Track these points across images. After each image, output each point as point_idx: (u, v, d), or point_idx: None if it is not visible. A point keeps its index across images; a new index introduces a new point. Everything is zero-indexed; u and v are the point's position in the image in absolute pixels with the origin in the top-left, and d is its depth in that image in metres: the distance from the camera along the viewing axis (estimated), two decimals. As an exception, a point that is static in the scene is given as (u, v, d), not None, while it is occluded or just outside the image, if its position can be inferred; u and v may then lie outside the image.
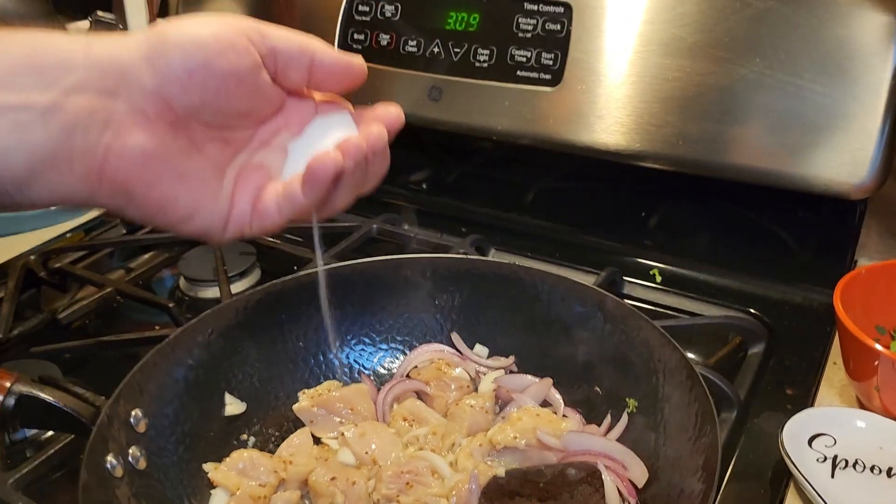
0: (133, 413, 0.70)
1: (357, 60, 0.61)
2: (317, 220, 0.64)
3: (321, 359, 0.85)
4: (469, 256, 0.86)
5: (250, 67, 0.57)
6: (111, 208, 0.57)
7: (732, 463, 0.79)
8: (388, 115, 0.61)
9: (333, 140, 0.60)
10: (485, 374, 0.85)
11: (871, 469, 0.76)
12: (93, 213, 1.40)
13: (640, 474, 0.70)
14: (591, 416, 0.80)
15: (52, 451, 0.81)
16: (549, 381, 0.82)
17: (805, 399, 0.87)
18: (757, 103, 0.95)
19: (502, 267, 0.84)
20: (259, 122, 0.63)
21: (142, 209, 0.58)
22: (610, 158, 1.06)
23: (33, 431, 0.90)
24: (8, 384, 0.66)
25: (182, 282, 1.18)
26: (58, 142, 0.52)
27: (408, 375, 0.85)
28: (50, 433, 0.88)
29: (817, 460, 0.77)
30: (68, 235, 1.34)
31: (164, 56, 0.54)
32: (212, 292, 1.13)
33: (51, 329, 1.10)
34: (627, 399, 0.76)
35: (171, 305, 1.04)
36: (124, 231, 1.34)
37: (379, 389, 0.84)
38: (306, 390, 0.83)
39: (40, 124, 0.51)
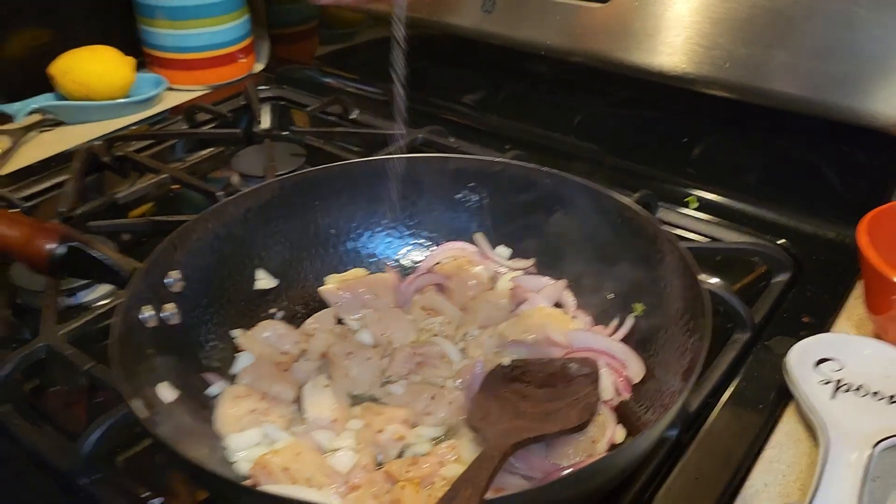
0: (170, 273, 0.75)
1: None
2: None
3: (350, 247, 0.90)
4: (498, 159, 0.88)
5: None
6: None
7: (737, 380, 0.81)
8: None
9: None
10: (504, 274, 0.88)
11: (874, 395, 0.77)
12: (159, 108, 1.47)
13: (637, 371, 0.73)
14: (601, 318, 0.82)
15: (102, 311, 0.88)
16: (563, 282, 0.84)
17: (820, 328, 0.88)
18: (809, 29, 0.93)
19: (530, 171, 0.86)
20: None
21: None
22: (657, 80, 1.06)
23: (88, 297, 0.98)
24: (60, 234, 0.72)
25: (235, 178, 1.24)
26: None
27: (431, 269, 0.89)
28: (103, 302, 0.95)
29: (820, 382, 0.79)
30: (133, 128, 1.41)
31: None
32: (261, 189, 1.18)
33: (111, 211, 1.17)
34: (635, 304, 0.79)
35: (219, 194, 1.09)
36: (185, 126, 1.40)
37: (402, 280, 0.88)
38: (334, 274, 0.87)
39: None
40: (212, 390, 0.74)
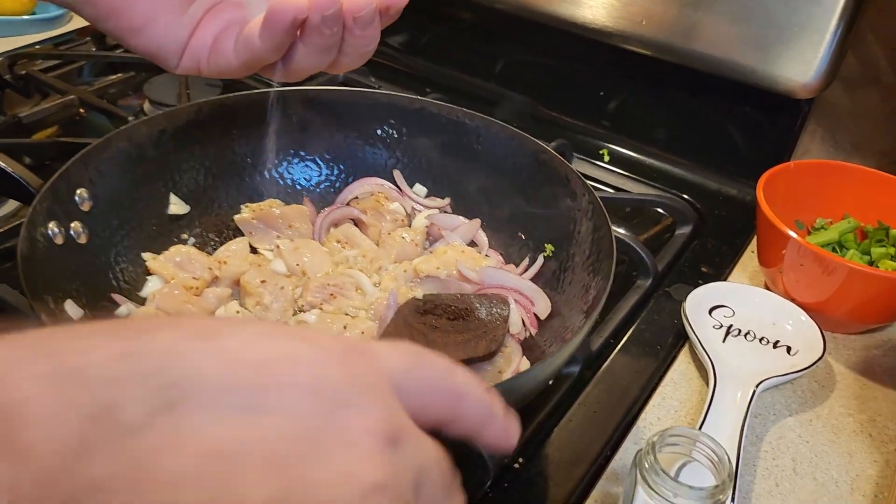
0: (78, 191, 0.73)
1: None
2: (278, 81, 0.61)
3: (266, 177, 0.89)
4: (421, 98, 0.89)
5: None
6: (68, 1, 0.57)
7: (638, 322, 0.86)
8: None
9: None
10: (420, 212, 0.89)
11: (760, 340, 0.83)
12: (66, 28, 1.40)
13: (543, 309, 0.76)
14: (512, 257, 0.85)
15: (4, 229, 0.85)
16: (477, 221, 0.86)
17: (717, 277, 0.93)
18: (723, -9, 0.97)
19: (451, 111, 0.87)
20: None
21: (95, 7, 0.57)
22: (577, 32, 1.08)
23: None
24: (-40, 144, 0.69)
25: (146, 105, 1.20)
26: None
27: (348, 204, 0.89)
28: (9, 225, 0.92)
29: (713, 326, 0.84)
30: (37, 47, 1.34)
31: None
32: (174, 116, 1.14)
33: (13, 131, 1.12)
34: (546, 245, 0.81)
35: (130, 118, 1.06)
36: (94, 48, 1.34)
37: (319, 213, 0.88)
38: (249, 204, 0.86)
39: None
40: (121, 311, 0.73)
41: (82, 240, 0.73)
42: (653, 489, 0.55)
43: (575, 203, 0.78)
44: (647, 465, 0.55)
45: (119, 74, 1.30)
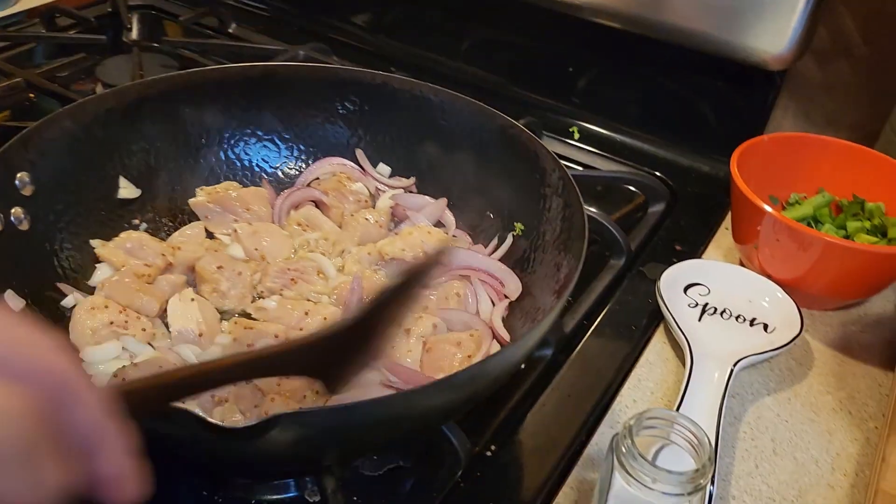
0: (19, 175, 0.69)
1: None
2: None
3: (223, 158, 0.85)
4: (383, 73, 0.85)
5: None
6: None
7: (611, 303, 0.83)
8: None
9: None
10: (384, 192, 0.86)
11: (737, 318, 0.80)
12: (14, 9, 1.34)
13: (514, 289, 0.73)
14: (480, 237, 0.82)
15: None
16: (444, 201, 0.83)
17: (691, 255, 0.91)
18: (693, -39, 0.94)
19: (414, 86, 0.83)
20: None
21: None
22: (545, 5, 1.05)
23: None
24: None
25: (99, 88, 1.15)
26: None
27: (308, 185, 0.86)
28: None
29: (689, 305, 0.81)
30: (-14, 29, 1.28)
31: None
32: (128, 99, 1.10)
33: (-43, 116, 1.07)
34: (515, 223, 0.78)
35: (80, 101, 1.01)
36: (44, 30, 1.28)
37: (278, 195, 0.84)
38: (205, 187, 0.82)
39: None
40: (67, 301, 0.69)
41: (24, 226, 0.69)
42: (630, 475, 0.52)
43: (545, 180, 0.75)
44: (624, 450, 0.53)
45: (71, 57, 1.24)
